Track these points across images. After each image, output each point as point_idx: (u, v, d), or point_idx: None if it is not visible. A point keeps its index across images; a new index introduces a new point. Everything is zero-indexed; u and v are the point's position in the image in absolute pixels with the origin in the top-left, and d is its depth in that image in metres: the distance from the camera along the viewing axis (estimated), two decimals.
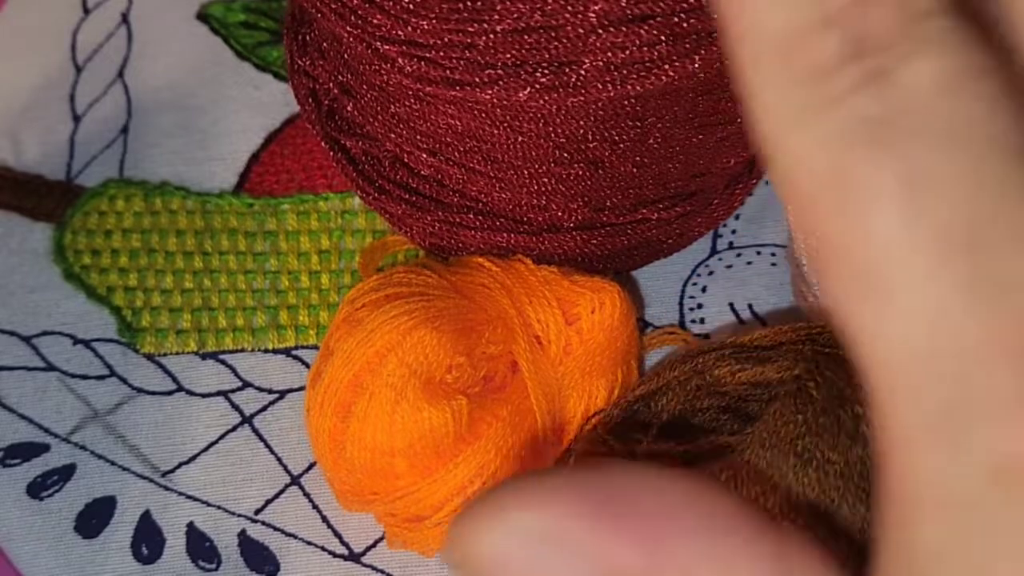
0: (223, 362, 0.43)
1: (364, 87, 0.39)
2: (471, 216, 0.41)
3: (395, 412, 0.36)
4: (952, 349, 0.19)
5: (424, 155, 0.40)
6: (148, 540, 0.41)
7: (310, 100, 0.42)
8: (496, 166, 0.39)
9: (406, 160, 0.41)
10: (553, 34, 0.34)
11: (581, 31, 0.34)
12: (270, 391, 0.43)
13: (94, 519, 0.41)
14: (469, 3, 0.34)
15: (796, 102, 0.19)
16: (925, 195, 0.19)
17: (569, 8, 0.34)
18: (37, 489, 0.42)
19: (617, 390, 0.39)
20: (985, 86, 0.19)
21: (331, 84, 0.41)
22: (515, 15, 0.34)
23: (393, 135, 0.40)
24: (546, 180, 0.39)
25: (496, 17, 0.34)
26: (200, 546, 0.41)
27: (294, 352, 0.44)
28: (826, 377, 0.34)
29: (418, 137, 0.40)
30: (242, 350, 0.44)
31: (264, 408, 0.43)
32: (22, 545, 0.41)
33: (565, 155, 0.38)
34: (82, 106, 0.48)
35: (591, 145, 0.38)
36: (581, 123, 0.37)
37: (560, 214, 0.40)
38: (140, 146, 0.47)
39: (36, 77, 0.49)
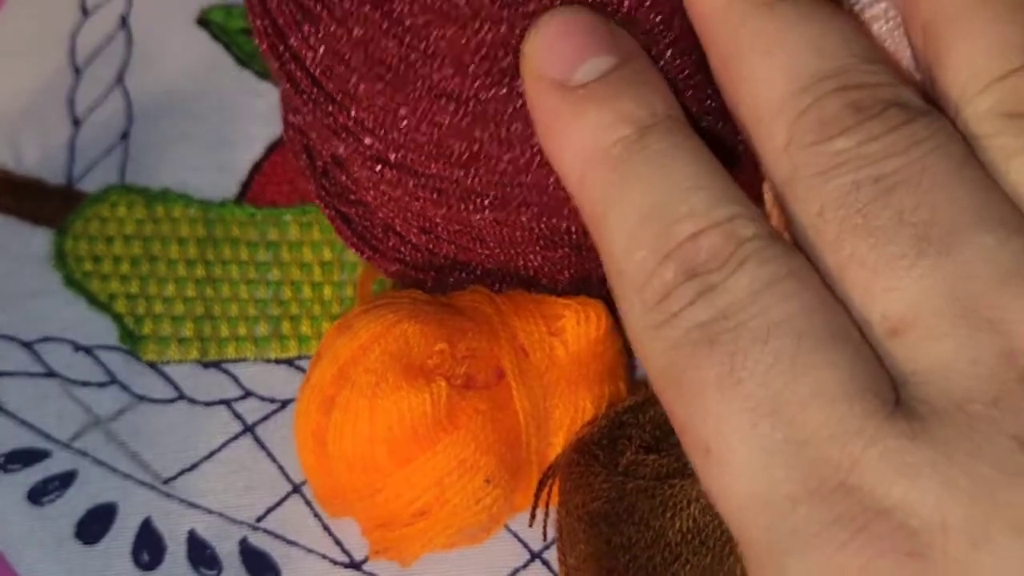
0: (225, 371, 0.44)
1: (355, 167, 0.40)
2: (463, 275, 0.42)
3: (375, 395, 0.37)
4: (766, 498, 0.23)
5: (415, 230, 0.41)
6: (149, 547, 0.41)
7: (304, 156, 0.42)
8: (484, 246, 0.40)
9: (398, 229, 0.41)
10: (537, 191, 0.35)
11: (564, 194, 0.34)
12: (272, 400, 0.43)
13: (95, 526, 0.41)
14: (457, 151, 0.35)
15: (647, 323, 0.25)
16: (737, 380, 0.23)
17: (554, 176, 0.34)
18: (37, 495, 0.42)
19: (605, 406, 0.40)
20: (792, 284, 0.24)
21: (323, 150, 0.41)
22: (501, 171, 0.35)
23: (385, 209, 0.41)
24: (532, 258, 0.40)
25: (483, 169, 0.35)
26: (201, 553, 0.41)
27: (296, 362, 0.44)
28: None
29: (408, 214, 0.40)
30: (244, 359, 0.44)
31: (266, 417, 0.43)
32: (22, 551, 0.41)
33: (550, 243, 0.39)
34: (82, 110, 0.48)
35: (575, 235, 0.39)
36: (565, 220, 0.38)
37: (548, 281, 0.41)
38: (141, 152, 0.47)
39: (35, 80, 0.48)
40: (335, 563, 0.41)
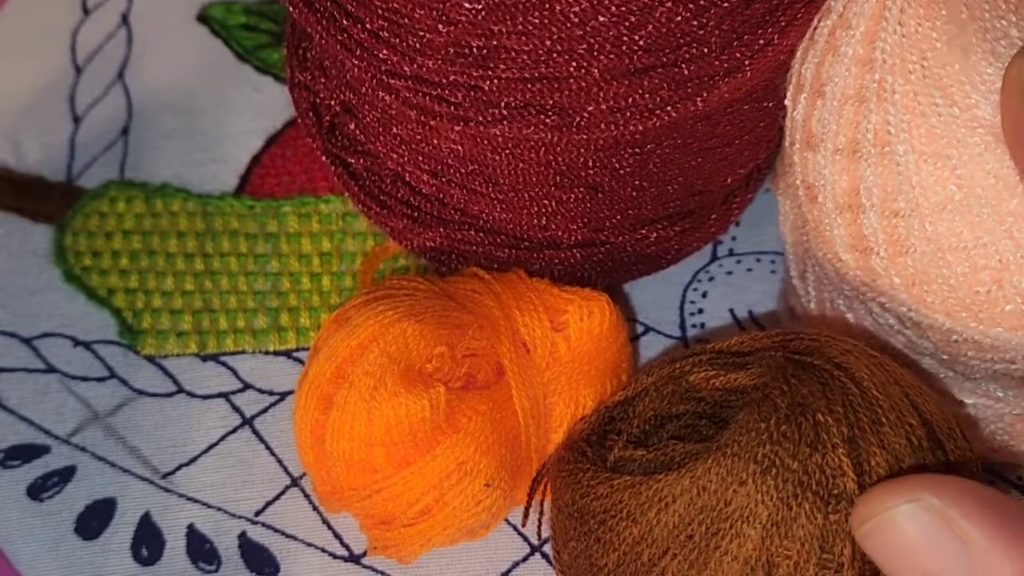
0: (224, 364, 0.44)
1: (366, 107, 0.39)
2: (472, 233, 0.41)
3: (373, 399, 0.37)
4: None
5: (425, 175, 0.40)
6: (148, 542, 0.41)
7: (311, 114, 0.42)
8: (497, 188, 0.39)
9: (408, 179, 0.41)
10: (557, 84, 0.35)
11: (584, 84, 0.35)
12: (271, 393, 0.43)
13: (94, 521, 0.41)
14: (475, 50, 0.35)
15: None
16: None
17: (573, 63, 0.34)
18: (37, 491, 0.42)
19: (612, 391, 0.39)
20: None
21: (332, 101, 0.41)
22: (520, 65, 0.35)
23: (395, 155, 0.40)
24: (546, 202, 0.40)
25: (502, 66, 0.35)
26: (200, 548, 0.41)
27: (295, 354, 0.44)
28: (791, 384, 0.34)
29: (420, 158, 0.40)
30: (243, 352, 0.44)
31: (265, 410, 0.43)
32: (22, 547, 0.41)
33: (565, 180, 0.39)
34: (82, 107, 0.48)
35: (591, 172, 0.38)
36: (582, 152, 0.37)
37: (560, 233, 0.41)
38: (141, 148, 0.47)
39: (36, 78, 0.49)
40: (335, 556, 0.41)
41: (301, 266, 0.45)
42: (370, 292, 0.39)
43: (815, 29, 0.37)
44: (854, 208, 0.35)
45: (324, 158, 0.42)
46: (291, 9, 0.37)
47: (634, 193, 0.40)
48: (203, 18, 0.50)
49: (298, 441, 0.39)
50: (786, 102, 0.38)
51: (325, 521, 0.41)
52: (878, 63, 0.35)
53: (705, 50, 0.35)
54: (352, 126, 0.41)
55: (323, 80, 0.41)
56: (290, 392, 0.43)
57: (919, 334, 0.37)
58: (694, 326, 0.44)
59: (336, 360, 0.37)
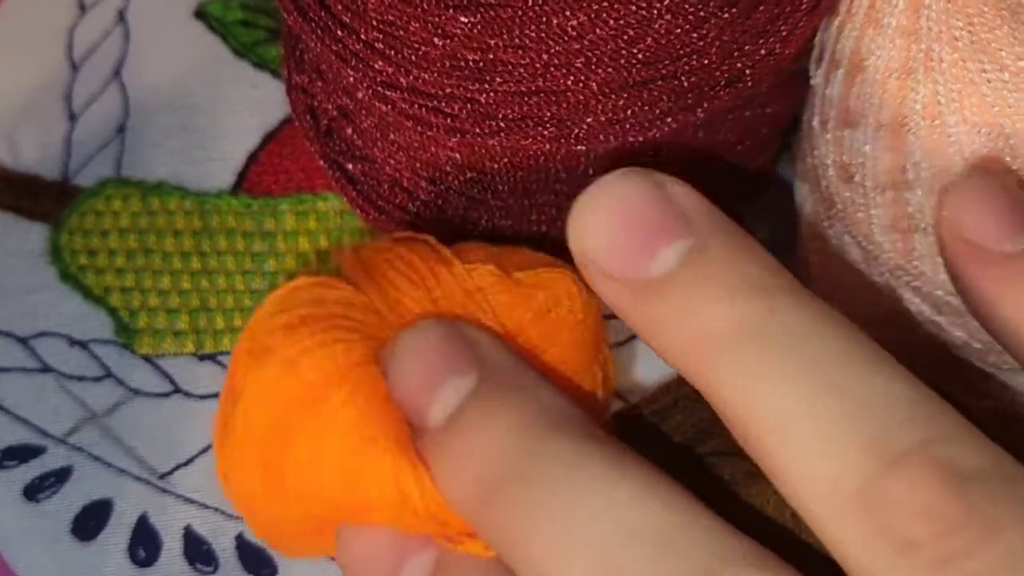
0: (221, 364, 0.43)
1: (363, 113, 0.39)
2: (471, 239, 0.41)
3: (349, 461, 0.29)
4: None
5: (423, 182, 0.40)
6: (145, 543, 0.41)
7: (308, 117, 0.42)
8: (496, 195, 0.39)
9: (405, 185, 0.41)
10: (555, 97, 0.35)
11: (582, 97, 0.34)
12: None
13: (91, 522, 0.41)
14: (471, 63, 0.34)
15: None
16: None
17: (571, 77, 0.34)
18: (33, 491, 0.41)
19: (601, 390, 0.35)
20: None
21: (329, 105, 0.41)
22: (517, 79, 0.34)
23: (392, 161, 0.40)
24: (546, 209, 0.40)
25: (498, 79, 0.34)
26: (197, 549, 0.40)
27: None
28: None
29: (417, 165, 0.40)
30: None
31: None
32: (18, 548, 0.40)
33: (564, 188, 0.39)
34: (79, 105, 0.48)
35: (591, 179, 0.38)
36: (581, 160, 0.37)
37: (560, 237, 0.41)
38: (137, 145, 0.47)
39: (32, 76, 0.48)
40: (332, 559, 0.40)
41: (298, 265, 0.45)
42: (285, 309, 0.31)
43: (852, 2, 0.36)
44: (898, 185, 0.35)
45: (321, 162, 0.42)
46: (285, 16, 0.36)
47: None
48: (200, 14, 0.49)
49: (240, 499, 0.32)
50: (815, 80, 0.37)
51: None
52: (923, 32, 0.34)
53: (705, 61, 0.35)
54: (349, 131, 0.41)
55: (320, 84, 0.41)
56: None
57: (952, 321, 0.36)
58: None
59: (273, 411, 0.29)
